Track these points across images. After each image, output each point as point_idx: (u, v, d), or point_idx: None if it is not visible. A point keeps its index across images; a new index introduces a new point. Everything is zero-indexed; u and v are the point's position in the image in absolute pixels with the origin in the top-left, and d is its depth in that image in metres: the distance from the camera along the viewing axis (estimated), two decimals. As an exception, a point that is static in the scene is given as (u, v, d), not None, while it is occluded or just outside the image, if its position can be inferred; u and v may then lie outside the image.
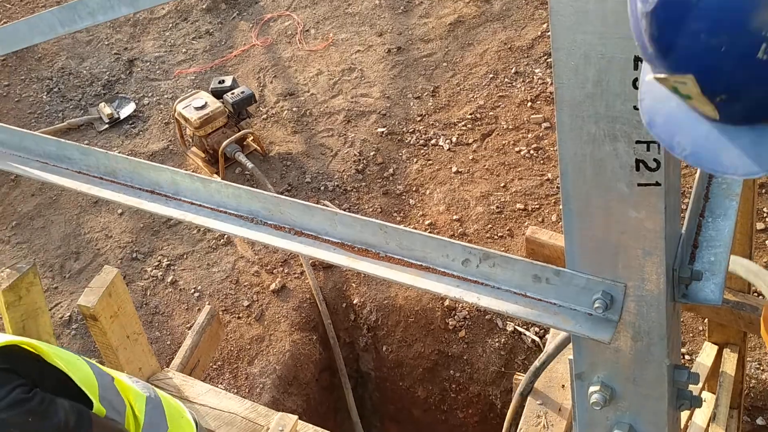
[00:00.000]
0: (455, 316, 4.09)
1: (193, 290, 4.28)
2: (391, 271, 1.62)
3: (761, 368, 3.48)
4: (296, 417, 2.75)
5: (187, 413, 2.10)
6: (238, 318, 4.17)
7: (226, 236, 4.52)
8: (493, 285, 1.51)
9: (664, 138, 0.93)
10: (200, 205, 1.79)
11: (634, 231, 1.32)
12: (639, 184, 1.28)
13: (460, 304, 4.10)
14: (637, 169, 1.27)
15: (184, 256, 4.45)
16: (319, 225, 1.70)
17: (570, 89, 1.24)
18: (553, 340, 2.49)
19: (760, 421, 3.41)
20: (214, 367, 3.95)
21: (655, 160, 1.26)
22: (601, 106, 1.24)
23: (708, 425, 2.62)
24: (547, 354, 2.50)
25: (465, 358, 4.06)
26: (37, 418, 1.68)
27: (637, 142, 1.25)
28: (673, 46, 0.79)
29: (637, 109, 1.23)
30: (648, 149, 1.25)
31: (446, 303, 4.10)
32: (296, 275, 4.34)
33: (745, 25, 0.74)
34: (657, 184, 1.27)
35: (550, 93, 4.86)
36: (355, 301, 4.28)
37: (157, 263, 4.43)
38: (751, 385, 3.42)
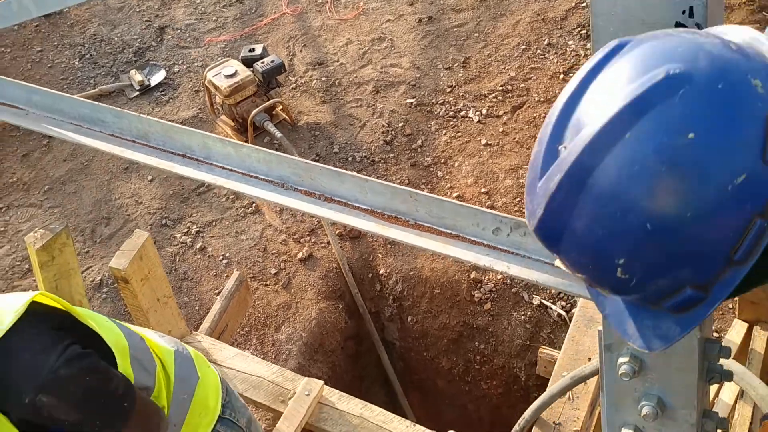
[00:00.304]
0: (481, 289, 4.09)
1: (221, 257, 4.33)
2: (420, 238, 1.62)
3: (791, 348, 3.44)
4: (322, 382, 2.79)
5: (210, 365, 2.12)
6: (266, 285, 4.21)
7: (254, 204, 4.55)
8: (523, 254, 1.51)
9: (592, 296, 1.09)
10: (231, 170, 1.80)
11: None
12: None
13: (487, 277, 4.10)
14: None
15: (213, 224, 4.49)
16: (349, 192, 1.70)
17: (608, 56, 1.22)
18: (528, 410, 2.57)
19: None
20: (242, 332, 4.00)
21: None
22: (639, 74, 1.22)
23: (735, 402, 2.60)
24: (525, 419, 2.56)
25: (490, 330, 4.07)
26: (95, 377, 1.63)
27: (676, 110, 1.23)
28: (557, 253, 0.97)
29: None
30: (686, 118, 1.22)
31: (472, 275, 4.10)
32: (323, 245, 4.36)
33: (600, 256, 0.91)
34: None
35: (583, 65, 4.78)
36: (381, 272, 4.29)
37: (186, 230, 4.48)
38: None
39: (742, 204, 0.87)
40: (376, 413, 2.67)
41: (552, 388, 2.52)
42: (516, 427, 2.63)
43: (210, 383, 2.00)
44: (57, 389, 1.56)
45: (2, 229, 4.59)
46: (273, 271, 4.26)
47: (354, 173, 1.70)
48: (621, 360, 1.38)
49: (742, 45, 0.93)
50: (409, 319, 4.30)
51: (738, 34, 0.97)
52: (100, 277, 4.29)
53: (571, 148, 0.91)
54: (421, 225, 1.64)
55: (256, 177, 1.78)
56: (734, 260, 0.89)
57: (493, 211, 1.52)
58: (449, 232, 1.61)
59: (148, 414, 1.75)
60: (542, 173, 0.95)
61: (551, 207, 0.93)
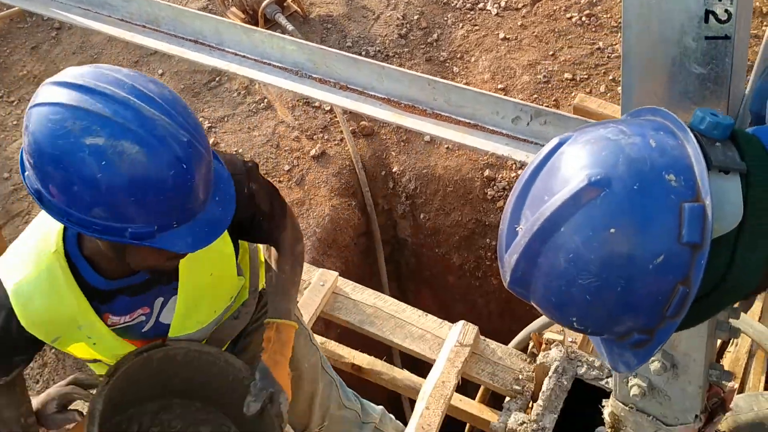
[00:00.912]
0: (494, 187, 4.08)
1: (234, 153, 4.32)
2: (438, 128, 1.60)
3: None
4: (336, 273, 2.83)
5: None
6: (279, 182, 4.22)
7: (266, 100, 4.49)
8: (543, 144, 1.48)
9: None
10: (244, 57, 1.75)
11: (697, 88, 1.26)
12: (707, 38, 1.21)
13: (500, 175, 4.08)
14: (706, 20, 1.20)
15: (225, 119, 4.46)
16: (366, 79, 1.66)
17: (641, -70, 1.16)
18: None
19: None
20: (256, 227, 4.04)
21: (726, 11, 1.19)
22: (673, -50, 1.15)
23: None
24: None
25: (502, 227, 4.08)
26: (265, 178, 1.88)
27: (709, -10, 1.17)
28: (527, 301, 1.16)
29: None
30: (720, -1, 1.17)
31: (486, 173, 4.08)
32: (336, 142, 4.33)
33: (558, 314, 1.12)
34: (726, 37, 1.20)
35: (607, -45, 4.58)
36: (394, 170, 4.28)
37: (198, 125, 4.44)
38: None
39: (664, 276, 1.03)
40: (389, 303, 2.72)
41: (527, 328, 2.61)
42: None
43: None
44: (256, 178, 1.78)
45: (15, 122, 4.58)
46: (286, 167, 4.26)
47: (370, 60, 1.65)
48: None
49: (664, 135, 1.09)
50: (422, 216, 4.32)
51: (664, 119, 1.13)
52: (114, 172, 4.31)
53: (523, 232, 1.10)
54: (439, 114, 1.61)
55: (269, 64, 1.73)
56: (667, 316, 1.06)
57: (513, 99, 1.49)
58: (468, 121, 1.58)
59: (294, 215, 1.97)
60: (507, 248, 1.14)
61: (515, 276, 1.13)
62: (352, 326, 2.72)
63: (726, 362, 2.52)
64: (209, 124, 4.43)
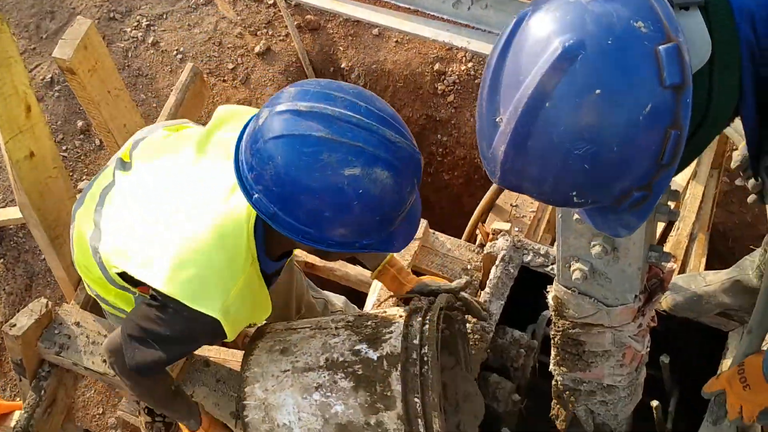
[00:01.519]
0: (444, 81, 4.02)
1: (175, 52, 4.15)
2: (377, 14, 1.55)
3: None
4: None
5: None
6: (224, 81, 4.09)
7: (206, -6, 4.29)
8: (484, 29, 1.45)
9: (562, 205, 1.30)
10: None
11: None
12: None
13: (450, 69, 4.01)
14: None
15: (164, 16, 4.26)
16: (300, -36, 1.57)
17: None
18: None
19: (738, 182, 3.49)
20: (202, 129, 3.94)
21: None
22: None
23: (688, 183, 2.68)
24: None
25: (453, 122, 4.07)
26: None
27: None
28: (523, 193, 1.19)
29: None
30: None
31: (435, 67, 4.01)
32: (281, 38, 4.18)
33: (556, 193, 1.12)
34: None
35: None
36: (342, 66, 4.17)
37: (136, 23, 4.24)
38: (734, 147, 3.46)
39: (654, 124, 1.03)
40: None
41: (473, 216, 2.64)
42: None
43: None
44: None
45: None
46: (230, 66, 4.12)
47: (304, -58, 1.56)
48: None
49: None
50: (372, 113, 4.26)
51: None
52: (50, 75, 4.12)
53: (506, 121, 1.06)
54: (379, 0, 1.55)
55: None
56: (663, 164, 1.07)
57: (453, -19, 1.43)
58: (407, 6, 1.53)
59: None
60: (490, 142, 1.11)
61: (505, 168, 1.11)
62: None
63: (668, 246, 2.60)
64: (147, 22, 4.24)
